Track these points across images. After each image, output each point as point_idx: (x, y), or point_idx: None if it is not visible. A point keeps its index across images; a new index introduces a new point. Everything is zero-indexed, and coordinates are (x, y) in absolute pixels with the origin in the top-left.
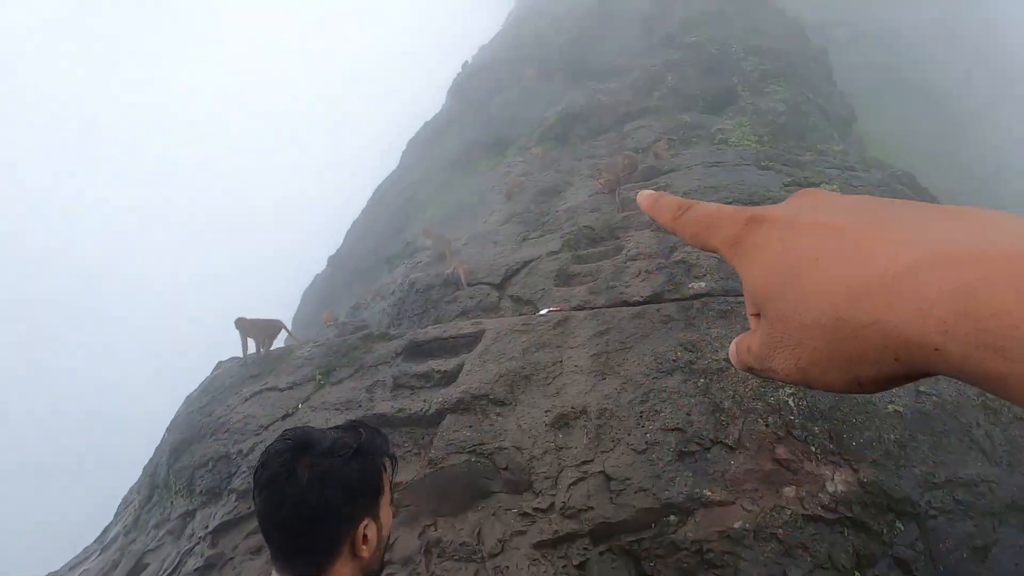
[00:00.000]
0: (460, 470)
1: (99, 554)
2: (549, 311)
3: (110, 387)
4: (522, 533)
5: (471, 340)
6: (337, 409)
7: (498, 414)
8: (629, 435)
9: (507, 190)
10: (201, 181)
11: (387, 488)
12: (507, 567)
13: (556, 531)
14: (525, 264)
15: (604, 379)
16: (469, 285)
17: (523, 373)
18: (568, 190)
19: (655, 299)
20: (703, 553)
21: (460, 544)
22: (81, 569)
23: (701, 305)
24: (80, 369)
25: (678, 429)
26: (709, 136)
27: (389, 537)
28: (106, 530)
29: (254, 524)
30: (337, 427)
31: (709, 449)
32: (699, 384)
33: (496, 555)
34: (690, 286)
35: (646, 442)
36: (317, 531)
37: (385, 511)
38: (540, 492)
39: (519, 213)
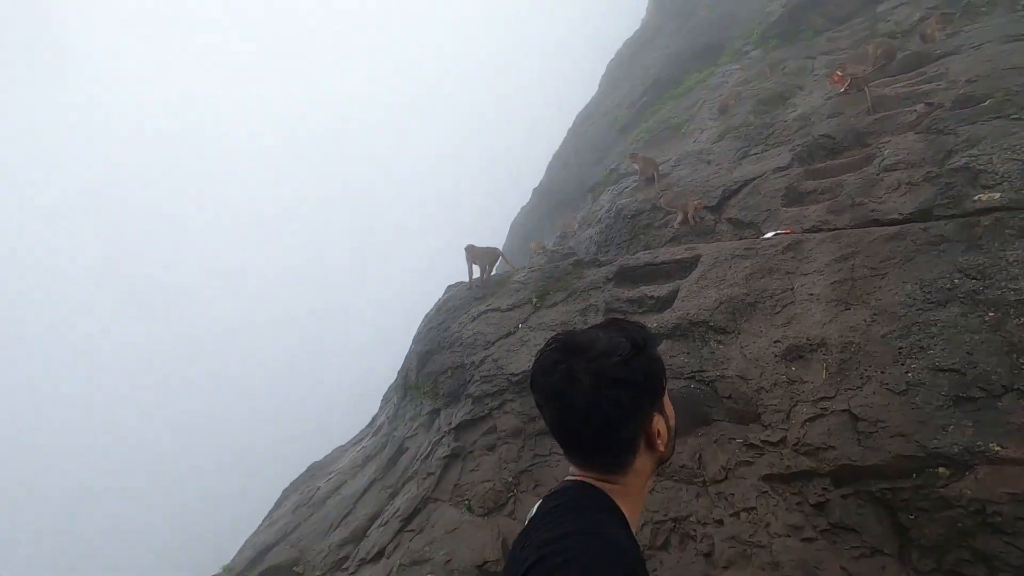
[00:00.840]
0: (678, 395)
1: (371, 437)
2: (776, 234)
3: (389, 311)
4: (748, 464)
5: (685, 266)
6: (553, 330)
7: (719, 342)
8: (883, 373)
9: (721, 103)
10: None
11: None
12: (732, 494)
13: (788, 467)
14: (745, 183)
15: (848, 309)
16: (690, 222)
17: (747, 300)
18: (797, 95)
19: (920, 216)
20: (985, 514)
21: (680, 466)
22: (361, 445)
23: (992, 222)
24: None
25: (954, 370)
26: (1009, 2)
27: (675, 429)
28: (374, 419)
29: (488, 425)
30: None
31: (1000, 397)
32: (987, 318)
33: (719, 481)
34: (976, 198)
35: (907, 382)
36: (613, 433)
37: (668, 404)
38: (769, 425)
39: (736, 127)
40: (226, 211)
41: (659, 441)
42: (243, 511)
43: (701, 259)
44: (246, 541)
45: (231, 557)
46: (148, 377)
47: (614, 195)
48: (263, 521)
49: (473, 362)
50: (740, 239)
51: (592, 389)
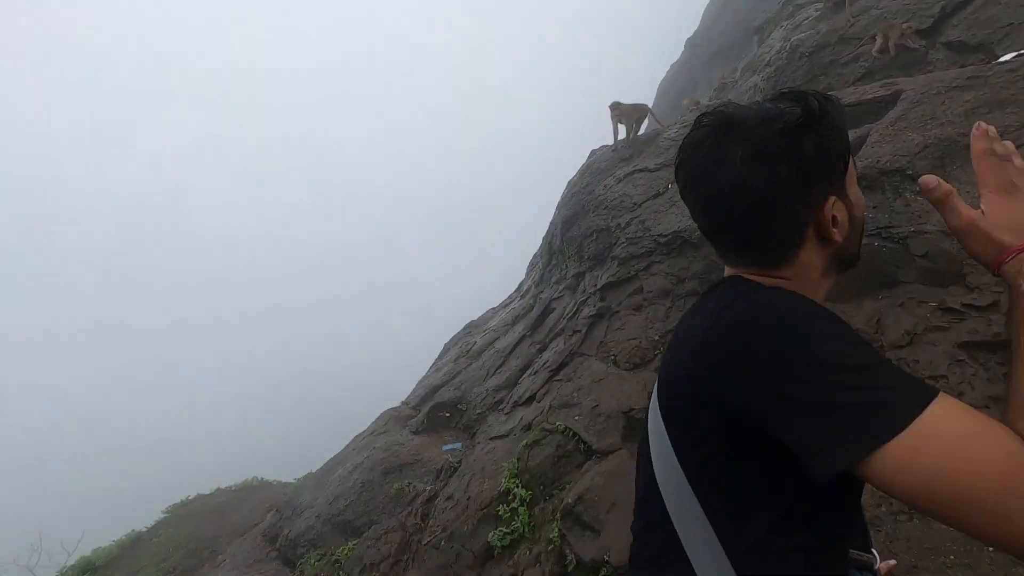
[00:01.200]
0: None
1: (519, 299)
2: (1018, 55)
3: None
4: (942, 329)
5: (879, 106)
6: None
7: (916, 193)
8: None
9: None
10: None
11: (852, 164)
12: (916, 360)
13: (998, 334)
14: None
15: None
16: (891, 51)
17: (964, 142)
18: None
19: None
20: None
21: (855, 328)
22: (510, 307)
23: None
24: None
25: None
26: None
27: (864, 220)
28: (520, 285)
29: (634, 286)
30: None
31: None
32: None
33: (902, 347)
34: None
35: None
36: (769, 217)
37: (854, 189)
38: (977, 288)
39: None
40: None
41: (835, 230)
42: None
43: (902, 96)
44: (417, 383)
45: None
46: None
47: (788, 31)
48: (429, 369)
49: (619, 224)
50: (961, 66)
51: (743, 163)
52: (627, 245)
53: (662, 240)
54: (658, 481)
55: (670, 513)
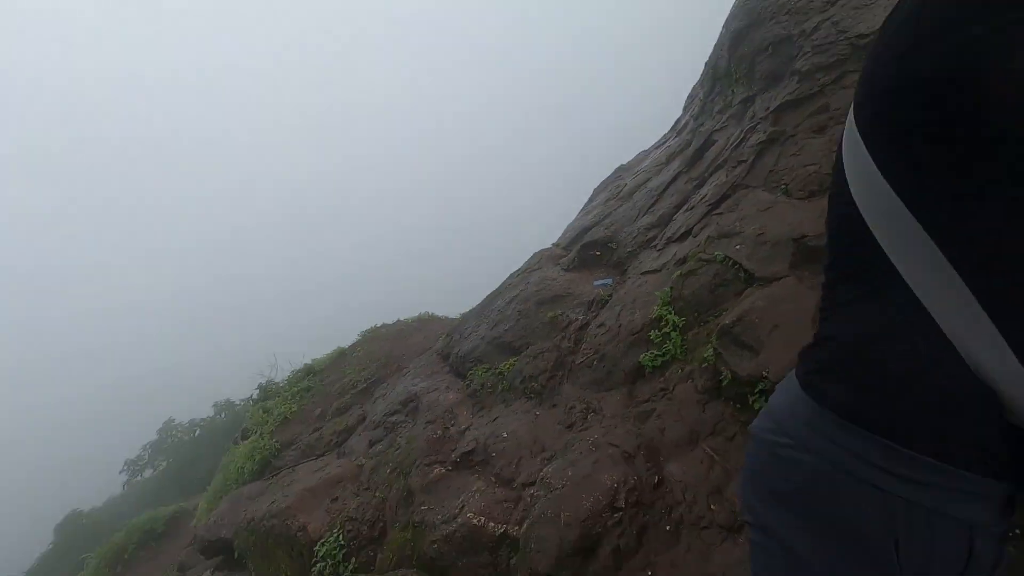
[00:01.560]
0: None
1: (674, 137)
2: None
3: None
4: None
5: None
6: None
7: None
8: None
9: None
10: None
11: None
12: None
13: None
14: None
15: None
16: None
17: None
18: None
19: None
20: None
21: None
22: (664, 146)
23: None
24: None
25: None
26: None
27: None
28: (677, 121)
29: (818, 104)
30: None
31: None
32: None
33: None
34: None
35: None
36: None
37: None
38: None
39: None
40: None
41: None
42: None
43: None
44: (567, 226)
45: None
46: None
47: None
48: (579, 212)
49: (803, 31)
50: None
51: None
52: (812, 55)
53: (860, 43)
54: (856, 203)
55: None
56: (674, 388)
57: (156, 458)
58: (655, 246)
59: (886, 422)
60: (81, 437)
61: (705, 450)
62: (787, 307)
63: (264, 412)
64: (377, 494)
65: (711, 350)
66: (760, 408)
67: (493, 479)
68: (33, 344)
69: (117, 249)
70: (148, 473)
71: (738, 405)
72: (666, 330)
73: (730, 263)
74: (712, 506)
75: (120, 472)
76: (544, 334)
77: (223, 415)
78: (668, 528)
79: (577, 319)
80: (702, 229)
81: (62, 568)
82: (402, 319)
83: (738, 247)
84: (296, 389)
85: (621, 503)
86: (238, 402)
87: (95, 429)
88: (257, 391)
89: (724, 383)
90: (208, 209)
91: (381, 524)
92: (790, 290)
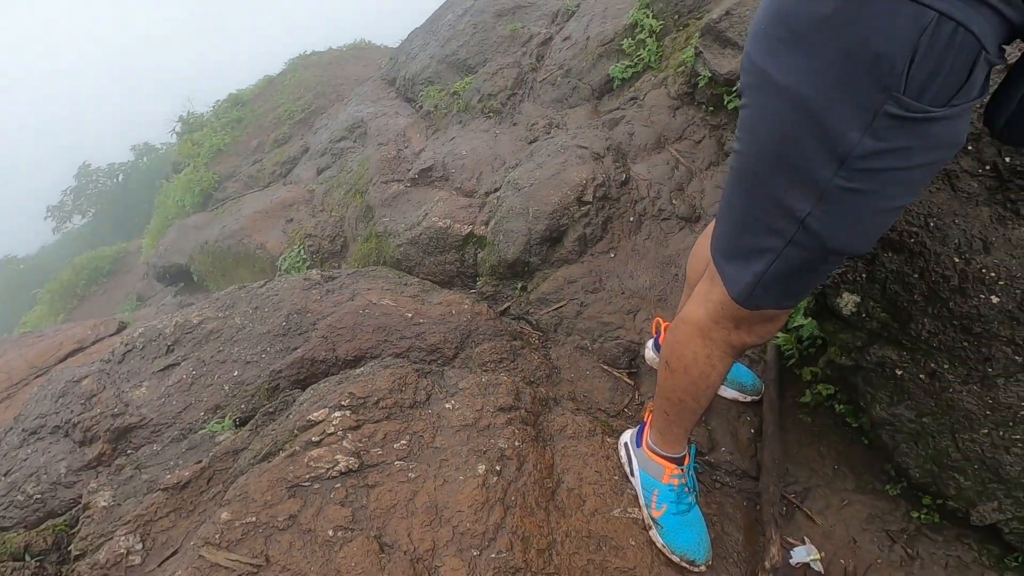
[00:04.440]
0: None
1: None
2: None
3: None
4: None
5: None
6: None
7: None
8: None
9: None
10: None
11: None
12: None
13: None
14: None
15: None
16: None
17: None
18: None
19: None
20: None
21: None
22: None
23: None
24: None
25: None
26: None
27: None
28: None
29: None
30: None
31: None
32: None
33: None
34: None
35: None
36: None
37: None
38: None
39: None
40: None
41: None
42: None
43: None
44: None
45: None
46: None
47: None
48: None
49: None
50: None
51: None
52: None
53: None
54: None
55: None
56: (645, 96)
57: (81, 204)
58: None
59: None
60: None
61: (672, 152)
62: None
63: (193, 144)
64: (333, 214)
65: (690, 51)
66: (734, 107)
67: (455, 192)
68: None
69: None
70: (78, 220)
71: (711, 108)
72: (641, 36)
73: None
74: (674, 201)
75: (45, 219)
76: (503, 49)
77: (145, 159)
78: (632, 219)
79: (540, 32)
80: None
81: (3, 312)
82: (334, 47)
83: None
84: (225, 120)
85: (589, 197)
86: (159, 145)
87: (9, 178)
88: (179, 124)
89: (700, 85)
90: None
91: (342, 239)
92: None
